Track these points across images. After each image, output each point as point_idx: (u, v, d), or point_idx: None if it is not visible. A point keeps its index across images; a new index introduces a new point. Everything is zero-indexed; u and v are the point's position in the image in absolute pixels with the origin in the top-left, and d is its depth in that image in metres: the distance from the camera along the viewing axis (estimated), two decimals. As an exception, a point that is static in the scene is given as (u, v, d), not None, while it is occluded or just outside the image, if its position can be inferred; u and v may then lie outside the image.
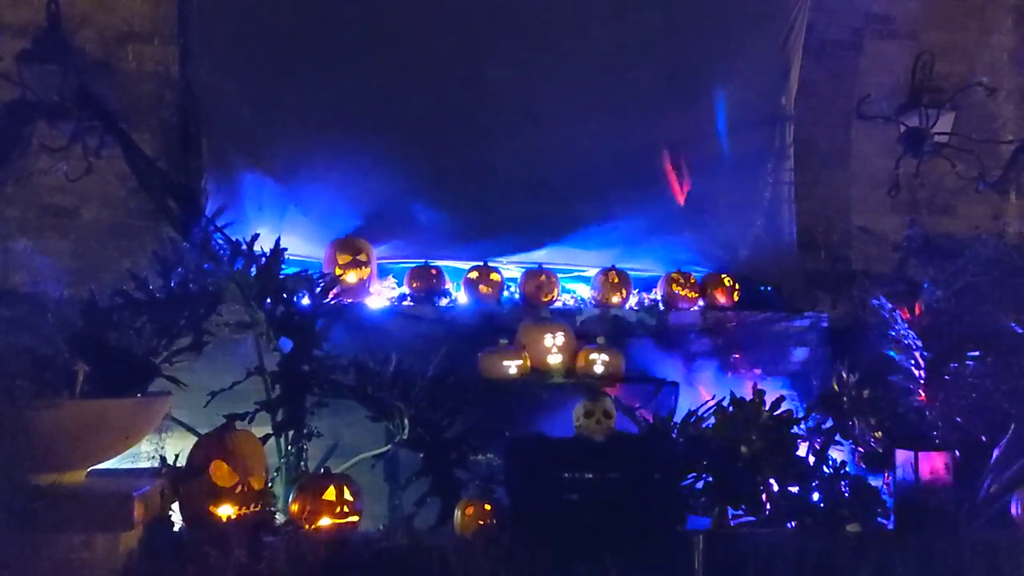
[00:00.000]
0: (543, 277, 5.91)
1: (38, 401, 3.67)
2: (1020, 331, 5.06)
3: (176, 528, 4.10)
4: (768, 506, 4.71)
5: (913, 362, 5.21)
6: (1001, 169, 6.71)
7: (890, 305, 5.33)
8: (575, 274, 6.21)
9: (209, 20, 5.58)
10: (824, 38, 6.51)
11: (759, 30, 6.07)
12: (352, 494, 4.37)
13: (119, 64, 5.72)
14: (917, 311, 5.36)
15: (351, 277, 5.54)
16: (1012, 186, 6.74)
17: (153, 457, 4.48)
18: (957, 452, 4.85)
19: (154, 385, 4.42)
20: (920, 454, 4.75)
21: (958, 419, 5.06)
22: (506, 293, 5.94)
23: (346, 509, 4.32)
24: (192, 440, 4.34)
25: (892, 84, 6.61)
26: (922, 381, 5.16)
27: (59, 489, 3.71)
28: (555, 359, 5.44)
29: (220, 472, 4.08)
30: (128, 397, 4.15)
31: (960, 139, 6.54)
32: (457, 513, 4.49)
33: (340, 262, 5.57)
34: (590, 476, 4.42)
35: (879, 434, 5.10)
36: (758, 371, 5.68)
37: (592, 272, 6.11)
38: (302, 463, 4.68)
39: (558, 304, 5.95)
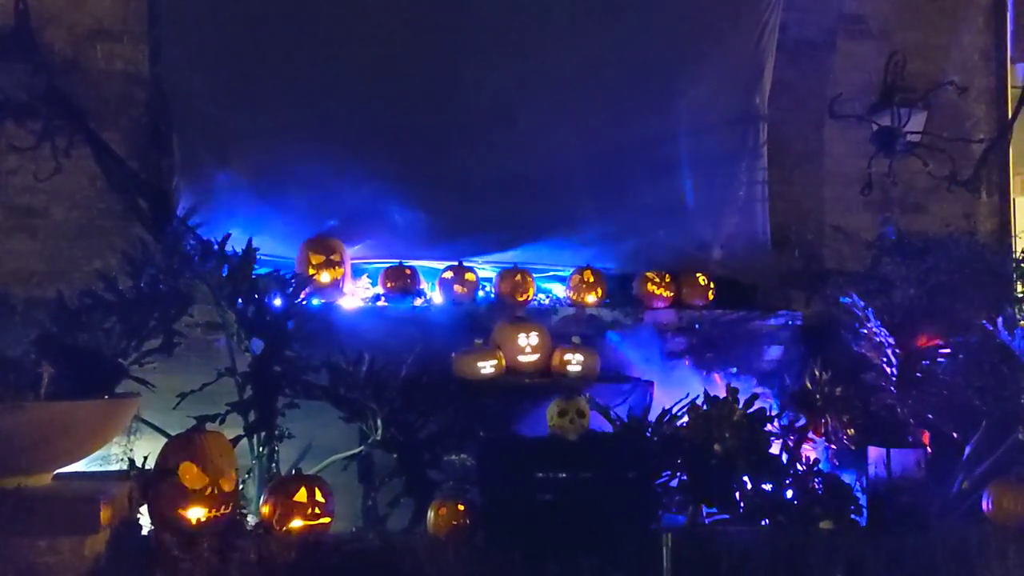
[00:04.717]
0: (518, 276, 5.90)
1: (0, 403, 3.62)
2: (991, 328, 5.10)
3: (145, 531, 4.05)
4: (742, 504, 4.72)
5: (885, 360, 5.23)
6: (972, 168, 6.77)
7: (863, 303, 5.35)
8: (550, 273, 6.20)
9: (179, 18, 5.54)
10: (797, 38, 6.53)
11: (732, 30, 6.07)
12: (324, 495, 4.33)
13: (88, 62, 5.67)
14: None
15: (324, 277, 5.51)
16: (983, 185, 6.80)
17: (123, 459, 4.44)
18: (929, 449, 4.88)
19: (123, 386, 4.37)
20: (892, 451, 4.79)
21: (930, 416, 5.09)
22: (481, 293, 5.93)
23: (318, 511, 4.29)
24: (162, 442, 4.29)
25: (864, 84, 6.65)
26: (894, 379, 5.19)
27: (24, 492, 3.66)
28: (530, 359, 5.43)
29: (190, 474, 4.01)
30: (96, 399, 4.09)
31: (932, 138, 6.60)
32: (430, 514, 4.47)
33: (313, 262, 5.54)
34: (564, 476, 4.42)
35: (852, 431, 5.13)
36: (732, 369, 5.69)
37: (567, 271, 6.10)
38: (274, 465, 4.65)
39: (533, 303, 5.94)
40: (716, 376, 5.57)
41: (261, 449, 4.64)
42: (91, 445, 4.08)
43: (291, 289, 4.91)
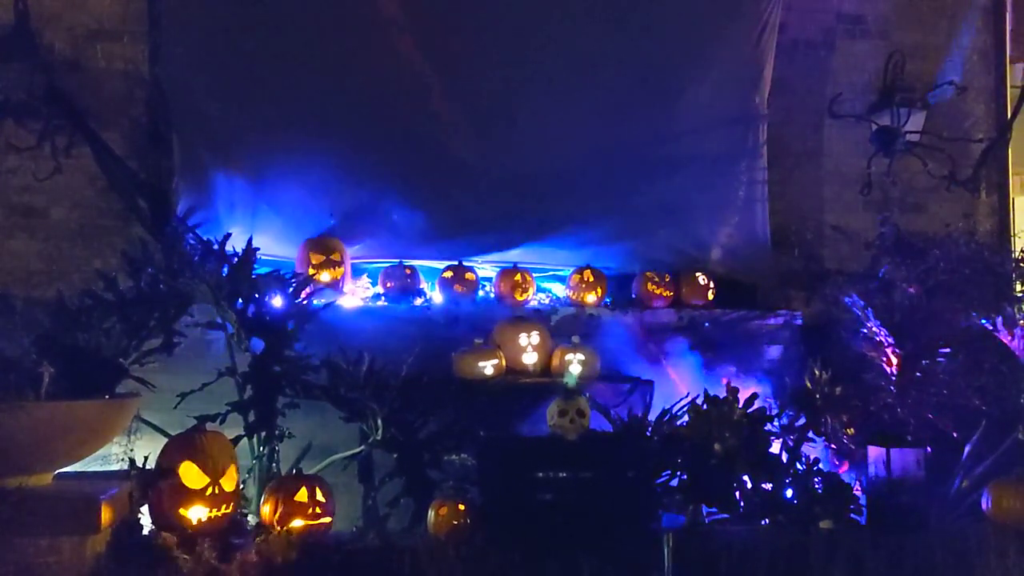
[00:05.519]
0: (518, 276, 5.91)
1: (1, 403, 3.62)
2: (990, 328, 5.10)
3: (145, 531, 4.04)
4: (742, 503, 4.72)
5: (885, 359, 5.24)
6: (971, 168, 6.78)
7: (863, 303, 5.36)
8: (550, 273, 6.21)
9: (179, 18, 5.54)
10: (796, 37, 6.55)
11: (732, 29, 6.07)
12: (324, 495, 4.33)
13: (88, 62, 5.69)
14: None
15: (324, 277, 5.51)
16: (982, 184, 6.81)
17: (123, 459, 4.44)
18: (929, 448, 4.88)
19: (123, 386, 4.37)
20: (892, 451, 4.77)
21: (930, 416, 5.09)
22: (481, 292, 5.93)
23: (318, 510, 4.28)
24: (163, 442, 4.29)
25: (864, 83, 6.66)
26: (894, 378, 5.19)
27: (24, 492, 3.66)
28: (530, 358, 5.43)
29: (190, 474, 4.02)
30: (96, 399, 4.09)
31: (931, 138, 6.60)
32: (431, 513, 4.46)
33: (313, 262, 5.54)
34: (564, 475, 4.42)
35: (851, 431, 5.13)
36: (732, 369, 5.68)
37: (567, 271, 6.10)
38: (274, 464, 4.64)
39: (533, 303, 5.95)
40: (726, 370, 5.58)
41: (261, 449, 4.64)
42: (91, 445, 4.07)
43: (291, 289, 4.90)
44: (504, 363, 5.35)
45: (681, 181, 6.11)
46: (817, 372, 5.24)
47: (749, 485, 4.74)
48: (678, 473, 4.75)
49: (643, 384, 5.44)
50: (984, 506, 4.73)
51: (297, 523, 4.23)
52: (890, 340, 5.24)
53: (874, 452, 4.83)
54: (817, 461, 4.89)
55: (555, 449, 4.55)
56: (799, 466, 4.86)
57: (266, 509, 4.30)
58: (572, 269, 6.07)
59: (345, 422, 4.78)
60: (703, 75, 6.04)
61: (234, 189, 5.62)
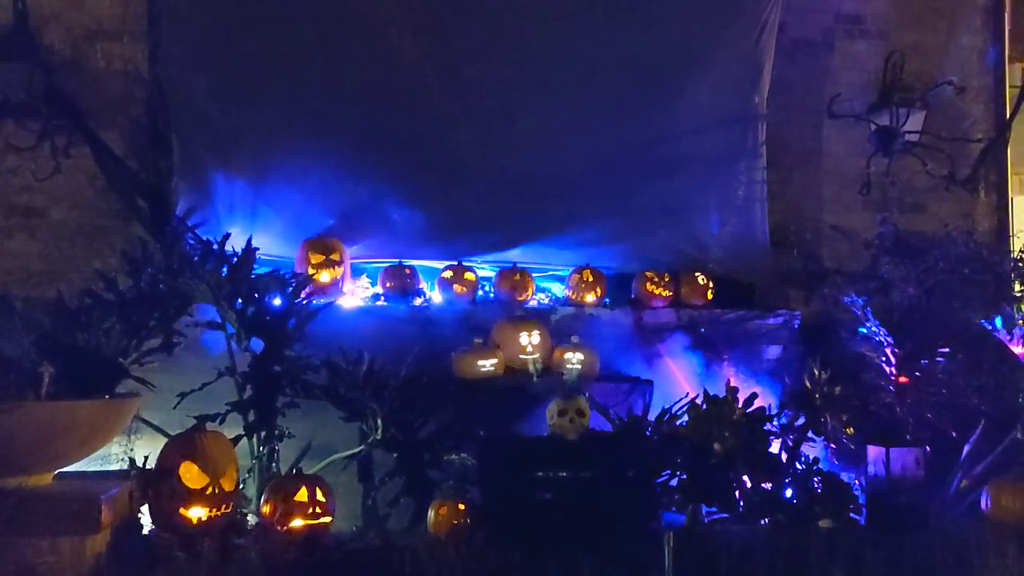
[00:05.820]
0: (518, 276, 5.91)
1: (1, 403, 3.62)
2: (989, 328, 5.11)
3: (145, 531, 4.05)
4: (741, 503, 4.73)
5: (884, 359, 5.24)
6: (970, 167, 6.79)
7: (862, 302, 5.36)
8: (550, 273, 6.21)
9: (178, 18, 5.54)
10: (795, 37, 6.55)
11: (731, 29, 6.07)
12: (324, 495, 4.34)
13: (88, 62, 5.70)
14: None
15: (324, 277, 5.51)
16: (981, 184, 6.82)
17: (123, 459, 4.45)
18: (928, 448, 4.89)
19: (123, 386, 4.38)
20: (891, 450, 4.79)
21: (929, 415, 5.10)
22: (480, 292, 5.93)
23: (318, 510, 4.29)
24: (163, 442, 4.29)
25: (863, 83, 6.66)
26: (893, 378, 5.19)
27: (25, 492, 3.67)
28: (530, 358, 5.41)
29: (190, 474, 4.02)
30: (96, 399, 4.10)
31: (930, 138, 6.61)
32: (431, 513, 4.47)
33: (313, 262, 5.54)
34: (563, 475, 4.44)
35: (851, 430, 5.13)
36: (732, 369, 5.69)
37: (566, 271, 6.11)
38: (274, 464, 4.65)
39: (533, 303, 5.95)
40: (726, 370, 5.58)
41: (261, 449, 4.64)
42: (92, 445, 4.08)
43: (291, 289, 4.91)
44: (504, 362, 5.35)
45: (681, 181, 6.11)
46: (816, 372, 5.24)
47: (749, 485, 4.75)
48: (678, 473, 4.76)
49: (642, 384, 5.44)
50: (983, 505, 4.74)
51: (297, 523, 4.24)
52: (889, 340, 5.24)
53: (873, 451, 4.84)
54: (817, 461, 4.90)
55: (555, 449, 4.56)
56: (799, 466, 4.88)
57: (266, 509, 4.30)
58: (571, 269, 6.07)
59: (345, 422, 4.79)
60: (703, 75, 6.04)
61: (234, 189, 5.62)
